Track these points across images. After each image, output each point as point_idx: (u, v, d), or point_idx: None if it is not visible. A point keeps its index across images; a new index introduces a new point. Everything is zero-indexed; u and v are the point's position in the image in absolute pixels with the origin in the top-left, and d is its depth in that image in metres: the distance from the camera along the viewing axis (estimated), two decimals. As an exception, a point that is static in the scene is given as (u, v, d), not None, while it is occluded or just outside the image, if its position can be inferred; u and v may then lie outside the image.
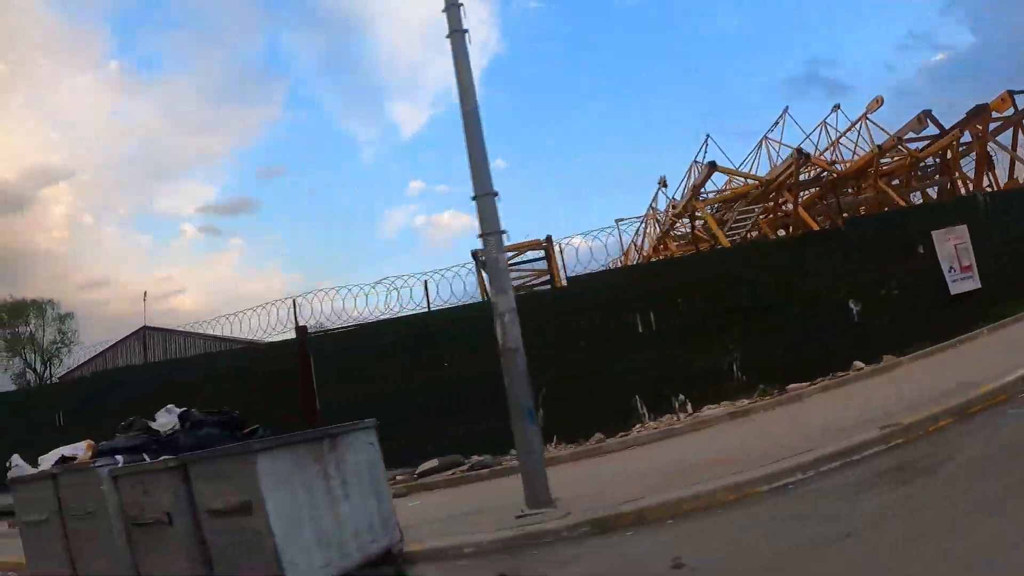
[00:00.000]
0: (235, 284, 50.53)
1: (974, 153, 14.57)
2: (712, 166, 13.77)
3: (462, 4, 6.18)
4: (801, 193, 14.97)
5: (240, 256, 55.64)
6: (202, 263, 55.87)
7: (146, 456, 4.15)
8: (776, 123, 16.45)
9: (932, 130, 14.59)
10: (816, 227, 13.64)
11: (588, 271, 11.16)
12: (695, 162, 15.83)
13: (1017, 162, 14.13)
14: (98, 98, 51.95)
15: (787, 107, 16.45)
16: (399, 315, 10.40)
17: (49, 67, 48.87)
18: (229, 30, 58.27)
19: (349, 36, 63.73)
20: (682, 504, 4.61)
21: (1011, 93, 13.23)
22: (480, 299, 11.09)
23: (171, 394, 5.62)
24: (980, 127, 13.96)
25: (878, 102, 14.99)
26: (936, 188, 15.45)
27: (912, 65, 53.85)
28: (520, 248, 13.19)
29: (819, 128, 16.82)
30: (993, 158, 14.73)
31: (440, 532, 5.20)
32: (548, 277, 13.23)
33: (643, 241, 18.27)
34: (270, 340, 10.56)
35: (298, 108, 65.02)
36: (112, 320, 37.44)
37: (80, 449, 4.51)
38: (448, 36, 6.15)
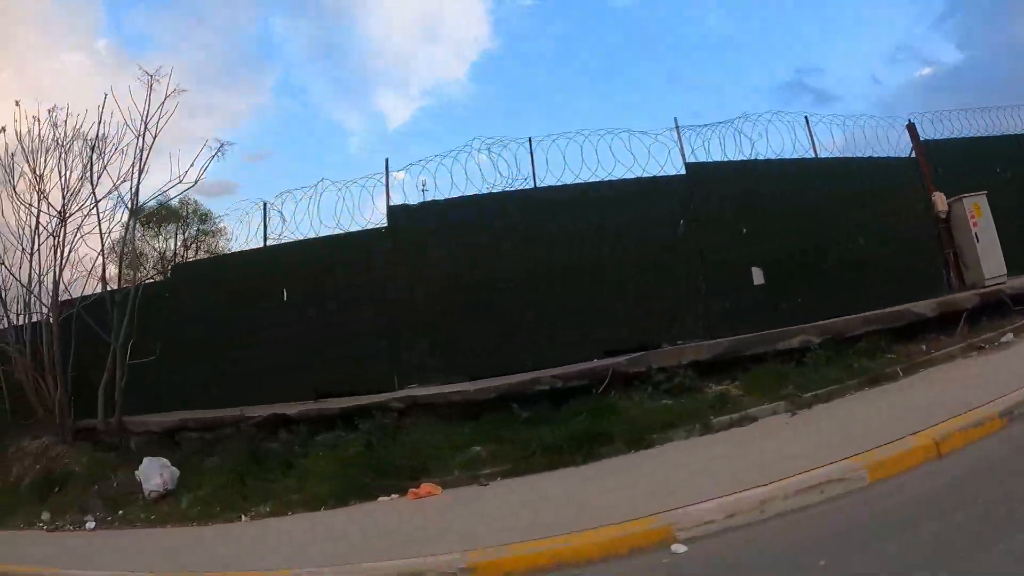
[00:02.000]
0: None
1: None
2: None
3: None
4: None
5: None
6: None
7: None
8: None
9: None
10: None
11: None
12: None
13: None
14: (86, 76, 44.32)
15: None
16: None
17: (38, 43, 44.62)
18: (220, 14, 52.12)
19: (340, 25, 61.58)
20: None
21: None
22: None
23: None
24: None
25: None
26: None
27: (898, 78, 57.59)
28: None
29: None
30: None
31: None
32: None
33: None
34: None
35: (287, 95, 60.74)
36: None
37: None
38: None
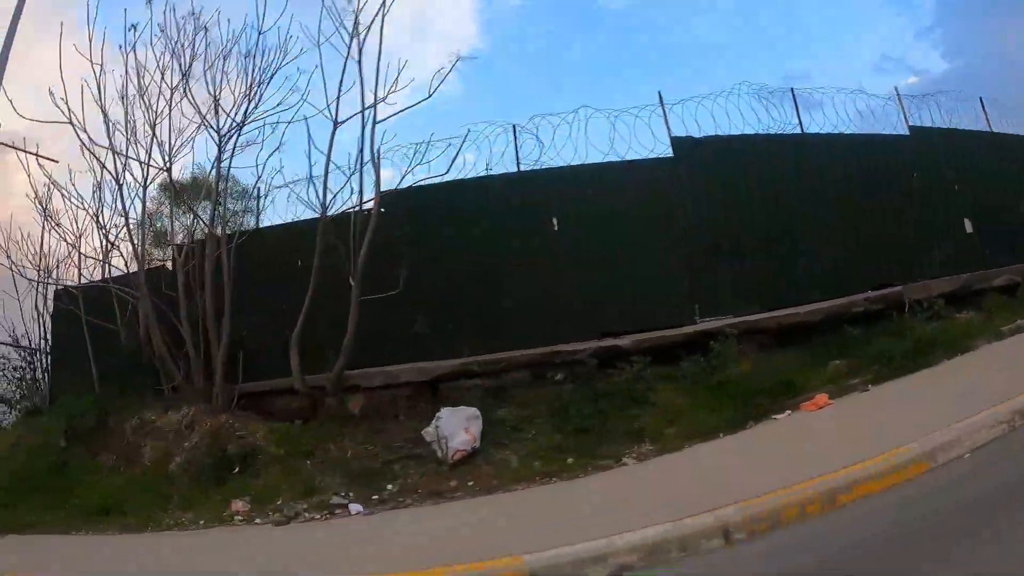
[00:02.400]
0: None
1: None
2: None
3: None
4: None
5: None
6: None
7: None
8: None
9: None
10: None
11: None
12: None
13: None
14: (75, 65, 34.21)
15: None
16: None
17: (27, 31, 31.12)
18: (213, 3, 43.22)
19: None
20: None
21: None
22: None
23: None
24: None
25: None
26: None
27: (884, 86, 51.25)
28: None
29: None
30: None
31: None
32: None
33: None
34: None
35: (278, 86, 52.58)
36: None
37: None
38: None
